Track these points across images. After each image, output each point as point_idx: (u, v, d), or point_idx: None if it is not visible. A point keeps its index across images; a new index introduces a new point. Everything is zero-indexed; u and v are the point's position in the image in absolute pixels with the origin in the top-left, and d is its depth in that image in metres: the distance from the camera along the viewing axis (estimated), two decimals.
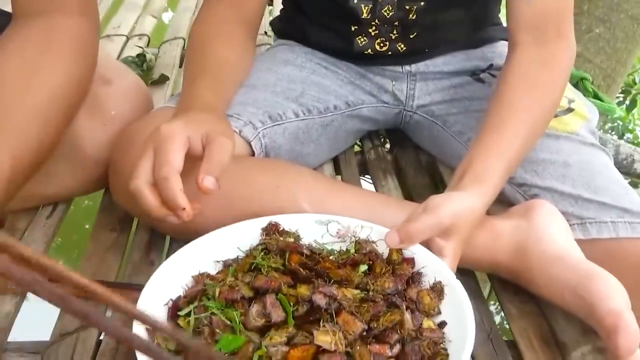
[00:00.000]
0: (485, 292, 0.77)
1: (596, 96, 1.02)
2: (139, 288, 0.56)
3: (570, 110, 0.81)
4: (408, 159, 0.94)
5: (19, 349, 0.58)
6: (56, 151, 0.66)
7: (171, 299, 0.53)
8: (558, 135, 0.78)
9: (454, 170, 0.85)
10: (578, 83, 1.02)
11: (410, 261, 0.58)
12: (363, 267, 0.55)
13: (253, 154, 0.75)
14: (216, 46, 0.77)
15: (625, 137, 2.80)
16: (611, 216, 0.73)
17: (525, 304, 0.65)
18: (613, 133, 2.79)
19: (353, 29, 0.85)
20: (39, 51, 0.64)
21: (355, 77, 0.89)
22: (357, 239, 0.61)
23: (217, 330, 0.48)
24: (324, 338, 0.45)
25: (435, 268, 0.57)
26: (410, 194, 0.87)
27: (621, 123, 2.80)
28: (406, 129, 0.96)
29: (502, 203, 0.77)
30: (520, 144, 0.69)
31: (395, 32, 0.84)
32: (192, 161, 0.57)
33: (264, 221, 0.61)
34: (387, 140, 1.00)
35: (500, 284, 0.68)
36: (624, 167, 1.32)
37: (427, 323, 0.51)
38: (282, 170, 0.70)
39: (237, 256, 0.58)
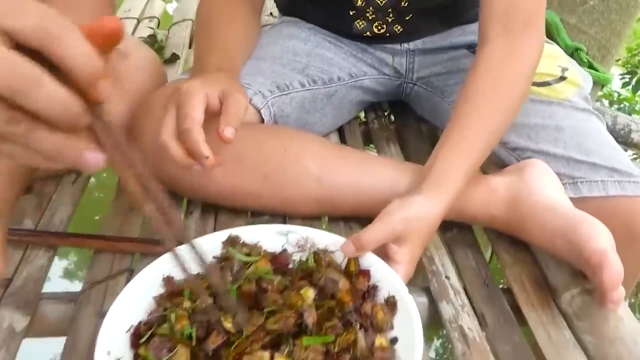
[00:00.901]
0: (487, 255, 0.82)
1: (591, 66, 1.06)
2: (161, 243, 0.62)
3: (563, 78, 0.86)
4: (410, 128, 0.99)
5: (53, 298, 0.64)
6: None
7: (132, 325, 0.53)
8: (550, 102, 0.82)
9: None
10: (573, 54, 1.06)
11: (367, 274, 0.59)
12: (308, 293, 0.54)
13: (262, 122, 0.79)
14: (222, 24, 0.81)
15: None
16: (601, 176, 0.77)
17: (519, 253, 0.70)
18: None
19: (351, 13, 0.89)
20: None
21: (357, 50, 0.93)
22: (315, 249, 0.61)
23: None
24: None
25: (390, 281, 0.58)
26: (412, 161, 0.92)
27: (627, 104, 2.82)
28: (407, 100, 1.00)
29: (497, 165, 0.82)
30: (483, 145, 0.69)
31: (391, 16, 0.89)
32: (210, 117, 0.62)
33: (224, 234, 0.61)
34: (390, 111, 1.05)
35: (496, 236, 0.73)
36: (622, 137, 1.36)
37: (379, 341, 0.53)
38: (290, 135, 0.75)
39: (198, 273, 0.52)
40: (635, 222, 0.76)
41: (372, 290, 0.59)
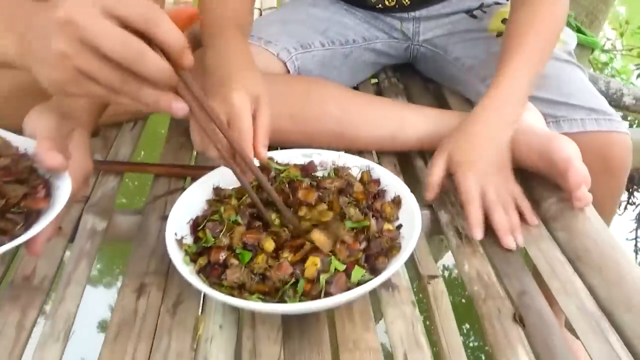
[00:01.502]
0: None
1: (579, 30, 1.18)
2: (212, 168, 0.75)
3: None
4: (417, 86, 1.12)
5: (123, 211, 0.79)
6: None
7: (191, 219, 0.68)
8: None
9: (454, 93, 1.04)
10: None
11: (377, 181, 0.73)
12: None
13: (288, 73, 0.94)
14: (229, 3, 0.85)
15: None
16: (580, 114, 0.90)
17: None
18: None
19: None
20: None
21: (369, 18, 1.07)
22: (335, 166, 0.75)
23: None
24: (318, 236, 0.61)
25: (397, 186, 0.72)
26: None
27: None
28: (415, 63, 1.14)
29: None
30: (532, 67, 0.82)
31: None
32: None
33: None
34: (400, 75, 1.18)
35: None
36: (615, 100, 1.48)
37: (387, 226, 0.66)
38: (313, 81, 0.90)
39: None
40: (609, 153, 0.89)
41: (381, 193, 0.73)
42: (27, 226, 0.55)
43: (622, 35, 3.96)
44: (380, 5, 1.05)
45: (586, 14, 1.40)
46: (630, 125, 1.84)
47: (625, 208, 2.08)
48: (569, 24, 1.16)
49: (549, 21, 0.86)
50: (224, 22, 0.82)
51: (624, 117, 1.69)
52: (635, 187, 1.82)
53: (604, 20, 1.49)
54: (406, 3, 1.05)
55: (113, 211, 0.78)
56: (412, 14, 1.07)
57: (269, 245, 0.62)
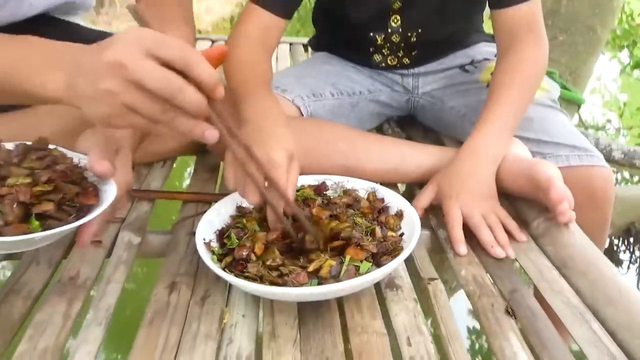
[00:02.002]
0: None
1: (564, 87, 1.31)
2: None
3: None
4: (418, 134, 1.24)
5: (155, 231, 0.88)
6: None
7: (217, 229, 0.78)
8: None
9: (451, 139, 1.15)
10: (549, 77, 1.31)
11: (382, 199, 0.84)
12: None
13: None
14: (257, 66, 0.98)
15: None
16: (565, 152, 1.00)
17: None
18: None
19: (371, 50, 1.17)
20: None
21: (374, 74, 1.21)
22: (344, 189, 0.87)
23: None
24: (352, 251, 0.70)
25: (399, 202, 0.82)
26: None
27: None
28: (415, 114, 1.26)
29: None
30: (510, 118, 0.94)
31: (401, 51, 1.17)
32: None
33: None
34: (402, 125, 1.30)
35: None
36: (605, 155, 1.57)
37: (390, 233, 0.76)
38: (324, 122, 1.01)
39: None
40: (593, 185, 0.98)
41: (385, 208, 0.82)
42: (78, 218, 0.65)
43: (621, 116, 4.15)
44: (383, 64, 1.19)
45: (569, 73, 1.54)
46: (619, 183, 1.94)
47: (628, 267, 2.14)
48: (554, 80, 1.29)
49: (530, 69, 0.98)
50: (256, 80, 0.92)
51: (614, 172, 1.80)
52: (633, 242, 1.89)
53: (587, 78, 1.64)
54: (406, 62, 1.18)
55: (146, 230, 0.87)
56: (412, 70, 1.20)
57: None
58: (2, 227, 0.61)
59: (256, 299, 0.71)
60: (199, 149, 1.10)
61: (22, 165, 0.68)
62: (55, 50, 0.66)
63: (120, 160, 0.73)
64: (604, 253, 0.84)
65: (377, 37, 1.14)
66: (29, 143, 0.73)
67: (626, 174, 2.47)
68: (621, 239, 1.92)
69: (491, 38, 1.19)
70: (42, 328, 0.64)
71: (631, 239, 1.90)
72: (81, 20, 1.17)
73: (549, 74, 1.31)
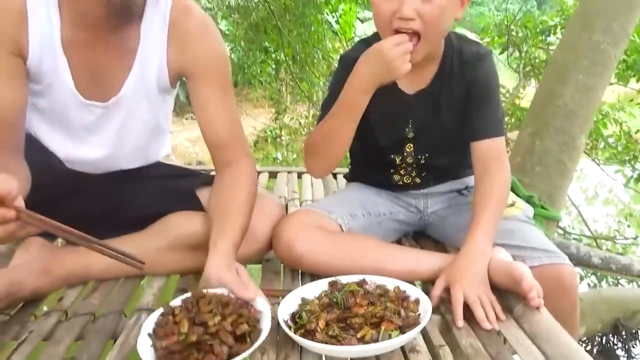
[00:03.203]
0: None
1: (543, 207, 1.67)
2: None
3: (512, 204, 1.48)
4: (428, 245, 1.60)
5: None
6: None
7: (290, 313, 1.11)
8: (506, 217, 1.44)
9: (453, 247, 1.51)
10: (529, 200, 1.68)
11: (404, 291, 1.18)
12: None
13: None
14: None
15: None
16: (539, 254, 1.34)
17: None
18: None
19: (391, 171, 1.57)
20: (234, 184, 1.36)
21: (393, 198, 1.59)
22: (377, 284, 1.21)
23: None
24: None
25: (417, 293, 1.16)
26: None
27: None
28: (426, 229, 1.62)
29: None
30: (490, 228, 1.31)
31: (414, 172, 1.56)
32: None
33: (327, 280, 1.22)
34: (416, 238, 1.66)
35: None
36: (585, 261, 1.90)
37: (411, 314, 1.10)
38: (360, 235, 1.38)
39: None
40: (561, 278, 1.30)
41: (406, 297, 1.16)
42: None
43: (628, 226, 4.48)
44: (400, 183, 1.57)
45: (547, 196, 1.92)
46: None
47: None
48: (533, 203, 1.66)
49: (500, 190, 1.37)
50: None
51: (594, 274, 2.11)
52: (625, 336, 2.15)
53: (563, 199, 2.01)
54: (418, 182, 1.57)
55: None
56: (422, 191, 1.58)
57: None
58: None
59: (320, 357, 1.03)
60: (264, 259, 1.47)
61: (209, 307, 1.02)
62: None
63: (244, 276, 1.12)
64: (601, 351, 1.16)
65: (395, 158, 1.53)
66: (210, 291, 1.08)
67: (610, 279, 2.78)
68: (613, 335, 2.18)
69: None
70: None
71: (623, 332, 2.16)
72: None
73: (529, 197, 1.70)
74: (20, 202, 1.00)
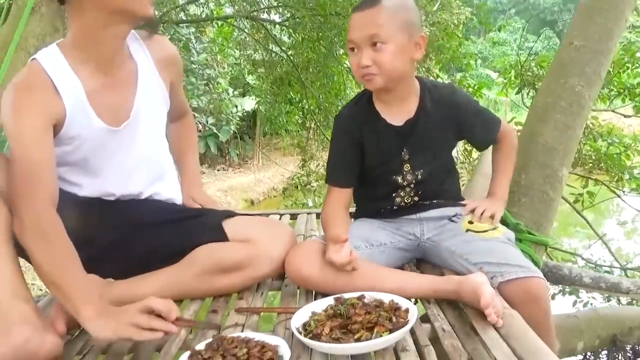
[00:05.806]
0: None
1: (530, 233, 1.88)
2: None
3: (494, 228, 1.71)
4: (427, 269, 1.82)
5: (264, 331, 1.46)
6: None
7: (301, 324, 1.38)
8: (488, 239, 1.66)
9: (448, 270, 1.73)
10: (516, 226, 1.89)
11: (397, 303, 1.40)
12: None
13: None
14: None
15: None
16: (515, 269, 1.55)
17: (455, 309, 1.47)
18: None
19: (393, 194, 1.81)
20: (188, 129, 1.92)
21: (394, 229, 1.83)
22: (374, 298, 1.44)
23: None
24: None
25: (407, 304, 1.38)
26: None
27: None
28: (424, 255, 1.85)
29: (457, 273, 1.63)
30: (510, 172, 1.73)
31: (412, 192, 1.80)
32: None
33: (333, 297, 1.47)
34: (416, 265, 1.88)
35: (445, 302, 1.54)
36: (577, 281, 2.08)
37: (401, 320, 1.31)
38: (363, 262, 1.62)
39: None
40: (532, 288, 1.50)
41: (398, 307, 1.39)
42: None
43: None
44: (402, 204, 1.82)
45: (534, 223, 2.13)
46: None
47: None
48: (520, 230, 1.88)
49: (512, 152, 1.82)
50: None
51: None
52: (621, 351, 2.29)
53: (549, 226, 2.21)
54: (415, 201, 1.81)
55: (257, 330, 1.45)
56: (419, 215, 1.82)
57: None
58: None
59: (326, 356, 1.27)
60: (283, 284, 1.72)
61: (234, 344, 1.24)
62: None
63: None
64: None
65: (397, 178, 1.78)
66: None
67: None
68: (613, 351, 2.32)
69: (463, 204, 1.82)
70: None
71: (628, 348, 2.30)
72: None
73: (517, 224, 1.92)
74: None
